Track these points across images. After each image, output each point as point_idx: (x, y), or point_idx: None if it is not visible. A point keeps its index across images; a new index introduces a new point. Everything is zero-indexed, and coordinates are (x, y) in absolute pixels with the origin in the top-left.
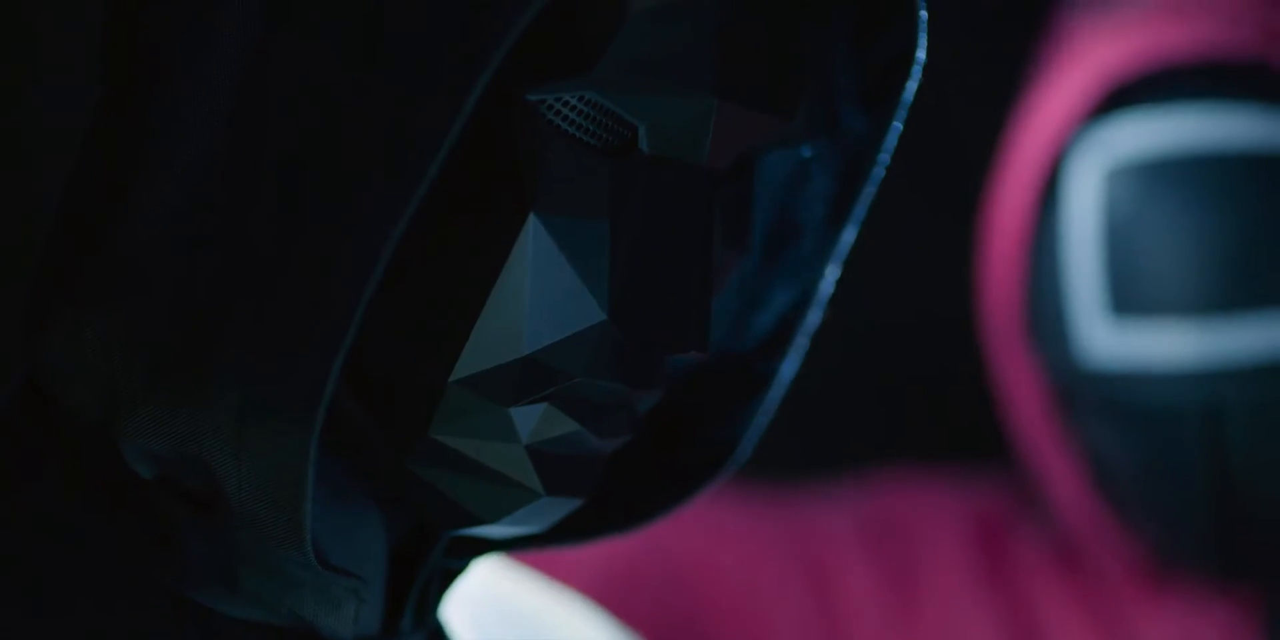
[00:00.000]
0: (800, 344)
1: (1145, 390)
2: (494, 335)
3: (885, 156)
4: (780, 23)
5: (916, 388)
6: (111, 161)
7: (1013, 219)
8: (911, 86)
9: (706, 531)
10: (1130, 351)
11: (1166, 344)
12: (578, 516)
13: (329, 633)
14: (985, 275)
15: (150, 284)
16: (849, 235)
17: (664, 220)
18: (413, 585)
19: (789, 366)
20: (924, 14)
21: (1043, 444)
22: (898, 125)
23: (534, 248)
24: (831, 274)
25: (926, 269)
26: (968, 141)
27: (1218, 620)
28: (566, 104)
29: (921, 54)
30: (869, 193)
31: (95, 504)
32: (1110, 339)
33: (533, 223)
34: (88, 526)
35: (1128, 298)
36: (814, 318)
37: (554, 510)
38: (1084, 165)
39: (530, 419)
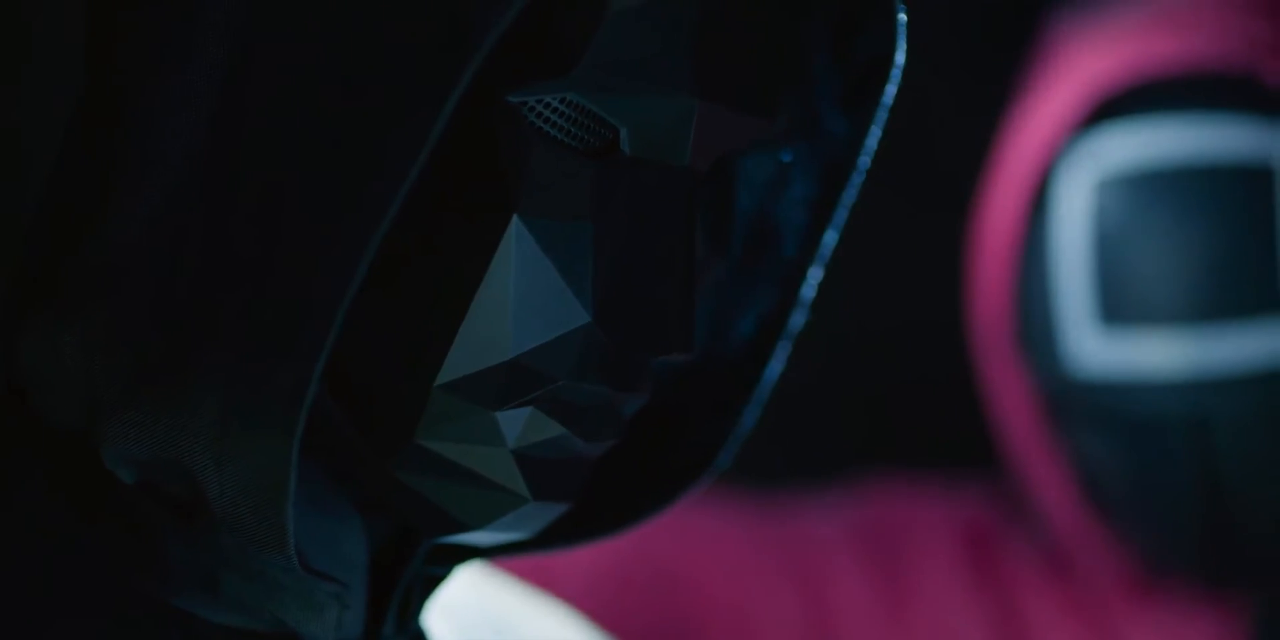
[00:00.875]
0: (783, 347)
1: (1134, 399)
2: (479, 339)
3: (865, 160)
4: (761, 24)
5: (906, 395)
6: (92, 162)
7: (1003, 228)
8: (891, 90)
9: (695, 537)
10: (1119, 361)
11: (1155, 353)
12: (560, 520)
13: (311, 638)
14: (975, 283)
15: (131, 285)
16: (830, 239)
17: (646, 222)
18: (395, 591)
19: (772, 370)
20: (903, 17)
21: (1032, 452)
22: (877, 129)
23: (518, 251)
24: (813, 277)
25: (918, 276)
26: (959, 150)
27: (1205, 628)
28: (548, 106)
29: (901, 57)
30: (849, 196)
31: (77, 509)
32: (1099, 348)
33: (516, 226)
34: (69, 532)
35: (1117, 307)
36: (796, 321)
37: (541, 515)
38: (1073, 175)
39: (516, 423)
